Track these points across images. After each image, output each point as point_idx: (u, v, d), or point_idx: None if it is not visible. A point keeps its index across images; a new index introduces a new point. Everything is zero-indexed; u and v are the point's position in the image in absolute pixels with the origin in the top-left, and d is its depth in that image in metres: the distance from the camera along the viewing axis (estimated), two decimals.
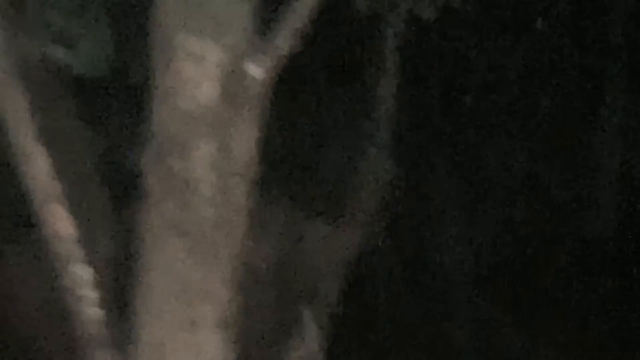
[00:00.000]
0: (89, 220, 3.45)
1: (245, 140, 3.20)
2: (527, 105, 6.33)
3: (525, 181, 6.38)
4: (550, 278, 6.32)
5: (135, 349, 3.30)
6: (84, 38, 3.49)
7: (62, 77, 3.55)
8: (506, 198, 6.35)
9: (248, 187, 3.24)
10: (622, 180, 6.52)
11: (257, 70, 3.15)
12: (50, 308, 4.68)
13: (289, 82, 3.36)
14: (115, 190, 3.61)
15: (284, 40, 3.14)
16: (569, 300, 6.34)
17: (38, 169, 3.32)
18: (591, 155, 6.53)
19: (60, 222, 3.32)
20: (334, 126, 5.26)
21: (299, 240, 5.23)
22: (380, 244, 5.37)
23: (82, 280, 3.35)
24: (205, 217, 3.20)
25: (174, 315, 3.23)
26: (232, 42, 3.16)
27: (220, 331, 3.24)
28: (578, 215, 6.50)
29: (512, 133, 6.31)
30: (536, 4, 6.02)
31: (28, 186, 3.34)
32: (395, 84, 4.25)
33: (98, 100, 4.24)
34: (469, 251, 6.26)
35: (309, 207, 5.46)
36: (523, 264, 6.35)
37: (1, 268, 4.84)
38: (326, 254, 4.53)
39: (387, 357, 5.95)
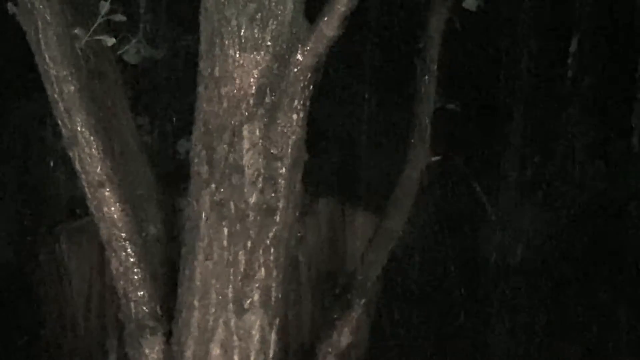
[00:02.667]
0: (136, 203, 3.52)
1: (289, 125, 3.26)
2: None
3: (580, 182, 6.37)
4: (600, 283, 6.31)
5: (182, 331, 3.37)
6: (135, 26, 3.56)
7: (112, 64, 3.62)
8: (559, 196, 6.35)
9: (292, 172, 3.29)
10: None
11: (302, 56, 3.20)
12: (101, 290, 4.77)
13: (333, 69, 3.40)
14: (163, 175, 3.68)
15: (329, 26, 3.18)
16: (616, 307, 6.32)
17: (88, 153, 3.38)
18: None
19: (109, 206, 3.38)
20: (376, 115, 5.31)
21: (342, 229, 5.27)
22: (420, 233, 5.43)
23: (130, 262, 3.42)
24: (250, 201, 3.26)
25: (220, 298, 3.30)
26: (280, 29, 3.21)
27: (264, 313, 3.30)
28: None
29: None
30: None
31: (79, 170, 3.41)
32: (436, 72, 4.28)
33: (147, 87, 4.32)
34: (514, 244, 6.27)
35: (352, 196, 5.51)
36: (569, 266, 6.34)
37: (55, 251, 4.93)
38: (371, 242, 4.56)
39: (427, 348, 5.98)
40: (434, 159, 4.40)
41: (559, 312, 6.29)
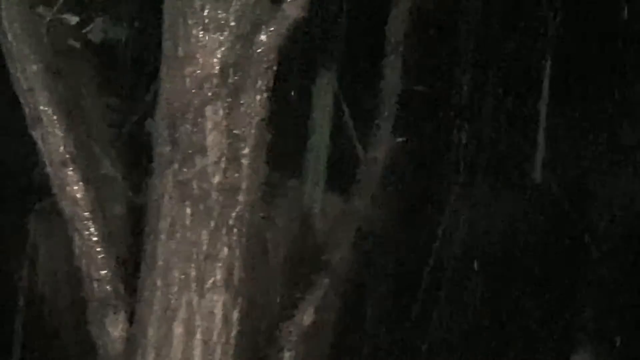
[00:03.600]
0: (100, 183, 3.53)
1: (253, 106, 3.27)
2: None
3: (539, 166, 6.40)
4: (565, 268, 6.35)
5: (145, 310, 3.38)
6: (97, 5, 3.57)
7: (75, 44, 3.62)
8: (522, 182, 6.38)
9: (256, 152, 3.31)
10: None
11: (266, 37, 3.21)
12: (64, 270, 4.78)
13: (297, 49, 3.42)
14: (127, 155, 3.69)
15: (294, 7, 3.20)
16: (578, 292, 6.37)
17: (51, 133, 3.39)
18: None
19: (72, 185, 3.39)
20: (341, 94, 5.32)
21: (309, 209, 5.29)
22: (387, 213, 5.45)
23: (92, 241, 3.43)
24: (213, 181, 3.27)
25: (183, 277, 3.31)
26: (243, 9, 3.22)
27: (227, 292, 3.32)
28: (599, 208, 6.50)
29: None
30: None
31: (42, 150, 3.42)
32: (401, 54, 4.30)
33: (111, 67, 4.31)
34: (478, 227, 6.30)
35: (318, 176, 5.52)
36: (531, 249, 6.38)
37: (20, 230, 4.94)
38: (335, 223, 4.58)
39: (394, 329, 6.01)
40: (399, 140, 4.43)
41: (521, 297, 6.34)
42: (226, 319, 3.34)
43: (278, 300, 4.98)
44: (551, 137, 6.35)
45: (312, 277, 4.29)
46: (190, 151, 3.26)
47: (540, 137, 6.33)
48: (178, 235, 3.30)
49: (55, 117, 3.36)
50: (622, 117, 6.33)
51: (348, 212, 4.51)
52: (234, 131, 3.26)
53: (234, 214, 3.32)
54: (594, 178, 6.36)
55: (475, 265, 6.28)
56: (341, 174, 5.14)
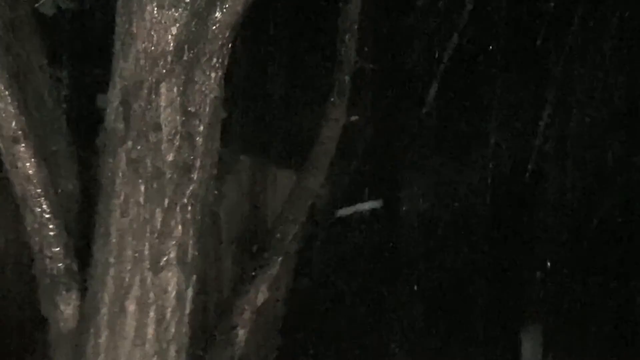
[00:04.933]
0: (52, 159, 3.49)
1: (207, 83, 3.25)
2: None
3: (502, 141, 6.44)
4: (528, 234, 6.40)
5: (98, 287, 3.36)
6: None
7: (28, 16, 3.57)
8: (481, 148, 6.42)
9: (210, 130, 3.29)
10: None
11: (221, 14, 3.20)
12: (16, 248, 4.74)
13: (253, 27, 3.40)
14: (80, 132, 3.65)
15: None
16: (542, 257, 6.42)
17: (2, 109, 3.34)
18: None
19: (23, 161, 3.35)
20: (297, 73, 5.32)
21: (263, 187, 5.29)
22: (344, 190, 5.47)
23: (44, 218, 3.40)
24: (167, 159, 3.25)
25: (136, 255, 3.29)
26: None
27: (181, 270, 3.31)
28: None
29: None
30: None
31: None
32: (357, 31, 4.31)
33: (65, 42, 4.26)
34: (439, 198, 6.34)
35: (273, 154, 5.52)
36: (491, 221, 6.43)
37: None
38: (289, 200, 4.58)
39: (349, 304, 6.05)
40: (352, 118, 4.43)
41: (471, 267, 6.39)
42: (180, 296, 3.33)
43: (231, 278, 4.98)
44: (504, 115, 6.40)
45: (264, 255, 4.29)
46: (144, 128, 3.23)
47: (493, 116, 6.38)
48: (131, 212, 3.28)
49: (6, 93, 3.31)
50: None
51: (301, 189, 4.51)
52: (189, 108, 3.24)
53: (187, 192, 3.30)
54: (545, 160, 6.42)
55: (423, 241, 6.33)
56: (294, 152, 5.14)
